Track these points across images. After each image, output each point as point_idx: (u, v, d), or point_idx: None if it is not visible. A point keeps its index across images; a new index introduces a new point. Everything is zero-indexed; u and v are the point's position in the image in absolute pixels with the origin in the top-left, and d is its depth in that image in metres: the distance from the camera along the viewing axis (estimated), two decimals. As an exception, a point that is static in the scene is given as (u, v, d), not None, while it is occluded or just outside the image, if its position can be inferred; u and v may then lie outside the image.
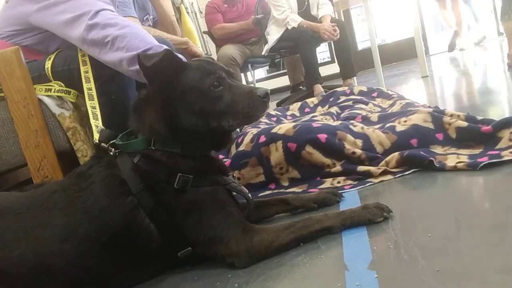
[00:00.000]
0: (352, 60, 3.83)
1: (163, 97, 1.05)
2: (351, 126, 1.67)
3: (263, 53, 4.01)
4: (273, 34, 3.82)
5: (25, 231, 0.99)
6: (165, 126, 1.05)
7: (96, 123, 1.33)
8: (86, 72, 1.45)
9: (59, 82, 1.50)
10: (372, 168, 1.43)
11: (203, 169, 1.08)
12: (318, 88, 3.64)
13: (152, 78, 1.06)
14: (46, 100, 1.44)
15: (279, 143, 1.58)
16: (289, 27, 3.70)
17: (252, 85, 4.85)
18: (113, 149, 1.09)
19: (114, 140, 1.10)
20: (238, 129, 1.89)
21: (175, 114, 1.05)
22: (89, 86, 1.43)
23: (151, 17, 2.51)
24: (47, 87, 1.47)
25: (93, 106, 1.38)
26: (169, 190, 1.02)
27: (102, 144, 1.12)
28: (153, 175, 1.04)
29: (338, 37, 3.60)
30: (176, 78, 1.05)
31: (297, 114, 2.86)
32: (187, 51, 2.17)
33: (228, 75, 1.10)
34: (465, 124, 1.49)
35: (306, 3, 3.85)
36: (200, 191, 1.04)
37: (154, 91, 1.07)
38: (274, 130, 1.63)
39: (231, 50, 4.10)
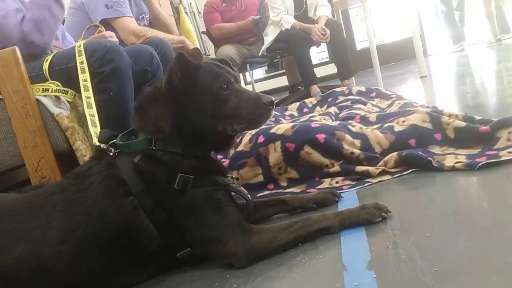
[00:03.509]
0: (349, 61, 3.83)
1: (178, 96, 1.05)
2: (349, 126, 1.67)
3: (260, 53, 4.04)
4: (270, 35, 3.84)
5: (23, 232, 0.99)
6: (170, 125, 1.04)
7: (95, 130, 1.34)
8: (84, 80, 1.45)
9: (56, 82, 1.50)
10: (370, 168, 1.43)
11: (203, 170, 1.08)
12: (315, 89, 3.65)
13: (181, 77, 1.04)
14: (44, 100, 1.44)
15: (278, 143, 1.58)
16: (283, 29, 3.72)
17: (251, 85, 4.87)
18: (112, 149, 1.08)
19: (114, 140, 1.10)
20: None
21: (186, 114, 1.05)
22: (87, 94, 1.43)
23: (147, 16, 2.51)
24: (44, 87, 1.47)
25: (91, 114, 1.39)
26: (169, 191, 1.02)
27: (102, 145, 1.11)
28: (153, 175, 1.04)
29: (328, 40, 3.60)
30: (192, 78, 1.05)
31: (296, 114, 2.86)
32: (183, 50, 2.17)
33: (234, 79, 1.11)
34: (463, 124, 1.49)
35: (304, 6, 3.86)
36: (200, 192, 1.04)
37: (168, 89, 1.05)
38: (272, 130, 1.63)
39: (229, 50, 4.10)
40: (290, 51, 3.91)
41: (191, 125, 1.06)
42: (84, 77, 1.45)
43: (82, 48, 1.50)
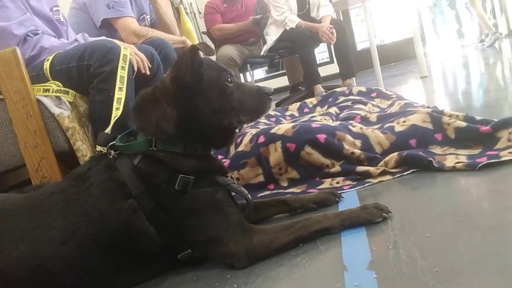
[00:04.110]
0: (351, 61, 3.82)
1: (185, 93, 1.04)
2: (350, 127, 1.67)
3: (262, 53, 4.02)
4: (272, 35, 3.83)
5: (23, 233, 0.99)
6: (174, 125, 1.03)
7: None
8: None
9: (57, 82, 1.50)
10: (371, 169, 1.43)
11: (204, 170, 1.08)
12: (318, 88, 3.64)
13: (192, 74, 1.04)
14: (45, 100, 1.44)
15: (278, 144, 1.58)
16: (287, 28, 3.71)
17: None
18: (112, 152, 1.08)
19: (114, 142, 1.10)
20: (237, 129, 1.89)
21: (192, 111, 1.05)
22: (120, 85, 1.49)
23: (148, 16, 2.50)
24: (45, 87, 1.47)
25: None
26: (169, 192, 1.02)
27: (102, 148, 1.11)
28: (154, 176, 1.03)
29: (335, 40, 3.60)
30: (199, 73, 1.06)
31: (296, 114, 2.86)
32: (184, 50, 2.16)
33: (234, 74, 1.14)
34: (464, 124, 1.49)
35: (307, 6, 3.86)
36: (200, 192, 1.04)
37: (175, 86, 1.04)
38: (273, 131, 1.63)
39: (230, 50, 4.09)
40: (294, 51, 3.88)
41: (197, 122, 1.05)
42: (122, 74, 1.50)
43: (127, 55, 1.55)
